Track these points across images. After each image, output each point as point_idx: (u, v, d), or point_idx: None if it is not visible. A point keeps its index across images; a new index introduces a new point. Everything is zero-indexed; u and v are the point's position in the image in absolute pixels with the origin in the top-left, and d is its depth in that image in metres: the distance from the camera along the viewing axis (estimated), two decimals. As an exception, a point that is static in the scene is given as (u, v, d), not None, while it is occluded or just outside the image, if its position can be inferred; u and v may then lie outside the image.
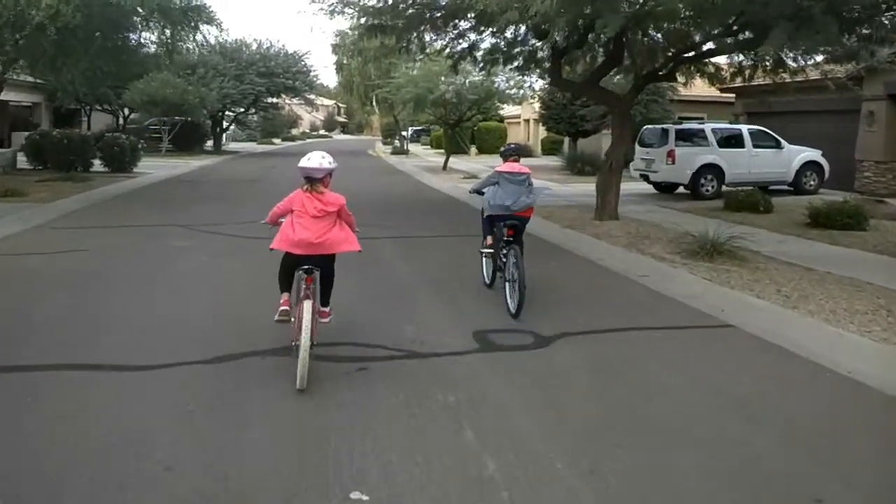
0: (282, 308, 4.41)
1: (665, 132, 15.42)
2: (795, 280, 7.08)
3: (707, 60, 12.29)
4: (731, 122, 18.15)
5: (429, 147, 48.54)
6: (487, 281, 6.63)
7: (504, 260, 6.03)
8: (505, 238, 6.08)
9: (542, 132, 40.26)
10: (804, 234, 10.16)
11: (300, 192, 4.32)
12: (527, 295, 5.63)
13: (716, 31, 9.66)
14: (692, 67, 11.36)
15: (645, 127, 16.49)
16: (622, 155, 10.98)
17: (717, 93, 22.08)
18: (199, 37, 17.02)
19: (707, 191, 15.16)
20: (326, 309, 4.64)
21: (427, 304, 6.25)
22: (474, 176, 21.04)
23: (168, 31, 15.88)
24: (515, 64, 13.39)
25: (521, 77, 16.23)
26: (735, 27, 9.58)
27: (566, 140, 36.80)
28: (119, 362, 4.47)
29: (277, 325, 4.50)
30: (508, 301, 5.80)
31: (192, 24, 15.84)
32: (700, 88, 16.97)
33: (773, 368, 4.70)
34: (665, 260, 8.16)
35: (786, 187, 15.98)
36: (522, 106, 37.95)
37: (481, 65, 13.09)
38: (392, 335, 5.14)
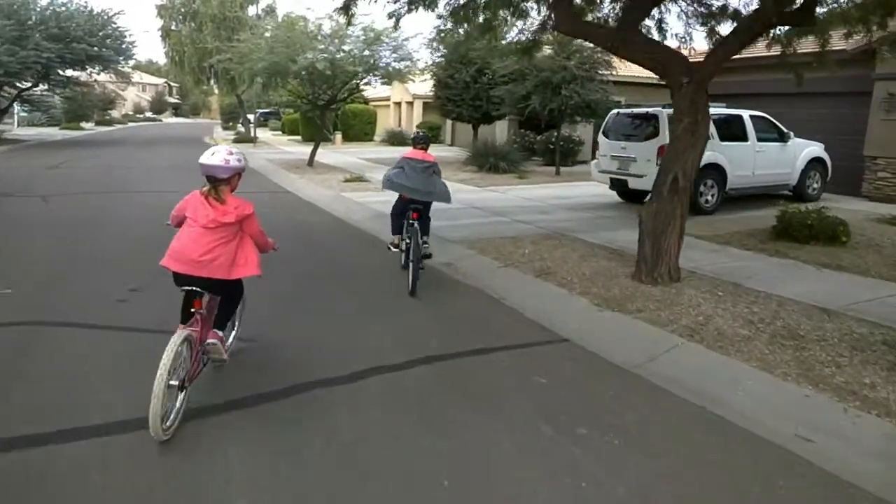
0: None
1: (651, 119, 10.72)
2: None
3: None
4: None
5: (279, 133, 41.27)
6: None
7: (408, 242, 6.09)
8: (410, 220, 6.08)
9: (416, 117, 35.04)
10: None
11: (197, 195, 3.48)
12: None
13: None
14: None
15: (614, 111, 11.77)
16: (695, 164, 5.97)
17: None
18: None
19: (706, 202, 10.79)
20: (220, 333, 3.56)
21: None
22: (359, 177, 15.18)
23: None
24: (449, 5, 8.07)
25: (440, 33, 10.70)
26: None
27: (446, 125, 32.01)
28: None
29: None
30: (410, 279, 5.87)
31: None
32: (627, 66, 12.84)
33: None
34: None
35: (787, 193, 12.17)
36: (393, 86, 32.38)
37: (400, 6, 7.55)
38: None
